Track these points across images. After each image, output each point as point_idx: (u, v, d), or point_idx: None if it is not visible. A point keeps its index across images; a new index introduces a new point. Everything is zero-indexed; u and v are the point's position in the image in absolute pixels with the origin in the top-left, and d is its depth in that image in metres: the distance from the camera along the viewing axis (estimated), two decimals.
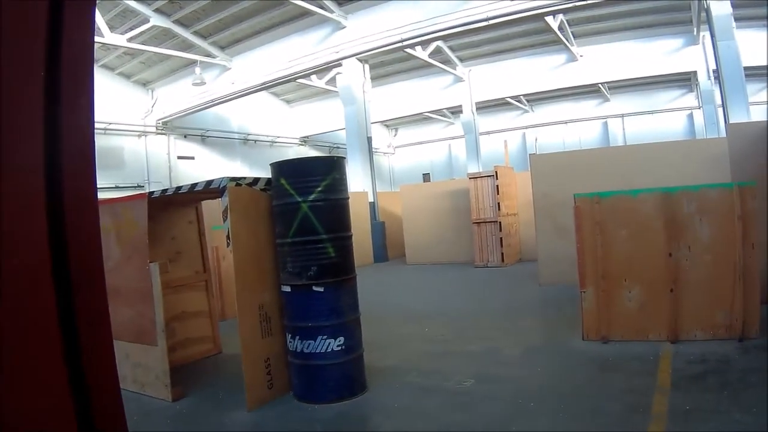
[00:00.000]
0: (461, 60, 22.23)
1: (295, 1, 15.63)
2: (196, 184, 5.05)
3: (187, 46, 18.62)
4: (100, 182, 18.82)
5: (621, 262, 5.71)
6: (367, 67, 17.41)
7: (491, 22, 14.29)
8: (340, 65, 17.14)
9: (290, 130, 27.27)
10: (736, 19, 14.02)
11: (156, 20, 16.30)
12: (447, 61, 21.47)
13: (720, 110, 15.88)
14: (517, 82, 22.44)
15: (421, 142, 32.72)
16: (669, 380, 4.46)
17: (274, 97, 26.20)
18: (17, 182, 0.89)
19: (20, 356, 0.89)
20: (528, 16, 14.18)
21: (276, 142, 26.67)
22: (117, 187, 19.17)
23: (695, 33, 19.04)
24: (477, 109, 23.75)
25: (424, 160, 32.57)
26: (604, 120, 27.33)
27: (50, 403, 0.94)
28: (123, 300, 5.18)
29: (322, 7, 16.23)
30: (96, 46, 16.63)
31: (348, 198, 4.95)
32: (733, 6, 13.76)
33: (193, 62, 19.02)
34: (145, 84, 21.93)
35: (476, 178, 13.60)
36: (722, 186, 5.58)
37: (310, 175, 4.69)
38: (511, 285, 10.46)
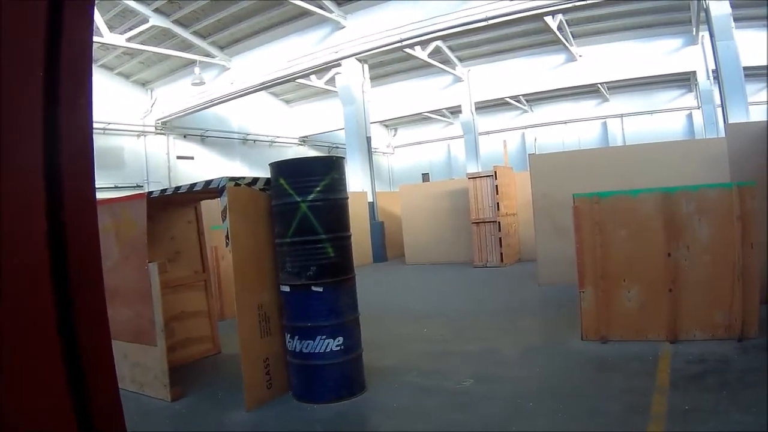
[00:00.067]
0: (460, 60, 22.24)
1: (294, 1, 15.62)
2: (195, 184, 5.05)
3: (187, 46, 18.61)
4: (100, 182, 18.80)
5: (620, 262, 5.71)
6: (366, 67, 17.41)
7: (490, 22, 14.28)
8: (339, 65, 17.13)
9: (289, 130, 27.26)
10: (736, 19, 14.03)
11: (155, 20, 16.29)
12: (446, 61, 21.48)
13: (719, 110, 15.91)
14: (517, 82, 22.45)
15: (420, 142, 32.73)
16: (668, 380, 4.46)
17: (273, 97, 26.19)
18: (16, 182, 0.89)
19: (19, 356, 0.89)
20: (527, 16, 14.18)
21: (275, 142, 26.67)
22: (116, 187, 19.16)
23: (694, 33, 19.05)
24: (476, 109, 23.76)
25: (423, 160, 32.58)
26: (604, 120, 27.35)
27: (49, 403, 0.94)
28: (122, 300, 5.17)
29: (321, 7, 16.22)
30: (95, 45, 16.63)
31: (347, 198, 4.95)
32: (733, 6, 13.77)
33: (193, 62, 19.01)
34: (144, 84, 21.92)
35: (475, 178, 13.61)
36: (721, 186, 5.59)
37: (309, 175, 4.69)
38: (510, 285, 10.46)
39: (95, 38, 15.39)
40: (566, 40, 19.32)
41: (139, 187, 20.23)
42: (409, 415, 4.32)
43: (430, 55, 19.58)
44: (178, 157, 22.65)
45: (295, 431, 4.22)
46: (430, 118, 29.66)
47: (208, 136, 23.63)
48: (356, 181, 16.54)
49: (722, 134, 11.73)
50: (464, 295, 9.96)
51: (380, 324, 7.31)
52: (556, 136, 27.59)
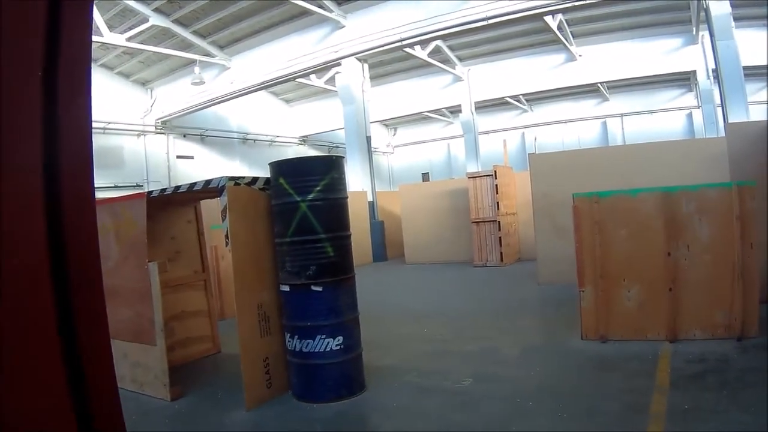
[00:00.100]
0: (460, 59, 22.23)
1: (294, 1, 15.62)
2: (194, 183, 5.05)
3: (187, 46, 18.60)
4: (100, 182, 18.80)
5: (620, 261, 5.71)
6: (366, 66, 17.41)
7: (490, 21, 14.28)
8: (339, 64, 17.13)
9: (289, 129, 27.26)
10: (736, 19, 14.03)
11: (155, 20, 16.28)
12: (446, 61, 21.47)
13: (719, 110, 15.90)
14: (516, 82, 22.44)
15: (420, 142, 32.72)
16: (668, 380, 4.46)
17: (273, 97, 26.18)
18: (15, 182, 0.89)
19: (19, 356, 0.89)
20: (527, 15, 14.17)
21: (275, 142, 26.66)
22: (116, 187, 19.15)
23: (694, 33, 19.05)
24: (476, 108, 23.75)
25: (423, 159, 32.58)
26: (603, 119, 27.34)
27: (48, 403, 0.94)
28: (122, 299, 5.18)
29: (321, 7, 16.22)
30: (95, 45, 16.62)
31: (347, 197, 4.95)
32: (732, 6, 13.76)
33: (193, 62, 19.00)
34: (144, 83, 21.91)
35: (475, 177, 13.61)
36: (721, 186, 5.59)
37: (308, 174, 4.69)
38: (509, 284, 10.46)
39: (95, 38, 15.39)
40: (566, 40, 19.31)
41: (139, 186, 20.22)
42: (408, 415, 4.32)
43: (430, 54, 19.57)
44: (178, 157, 22.64)
45: (295, 431, 4.22)
46: (430, 117, 29.65)
47: (207, 136, 23.63)
48: (356, 180, 16.53)
49: (722, 134, 11.72)
50: (464, 294, 9.96)
51: (380, 323, 7.31)
52: (556, 136, 27.59)
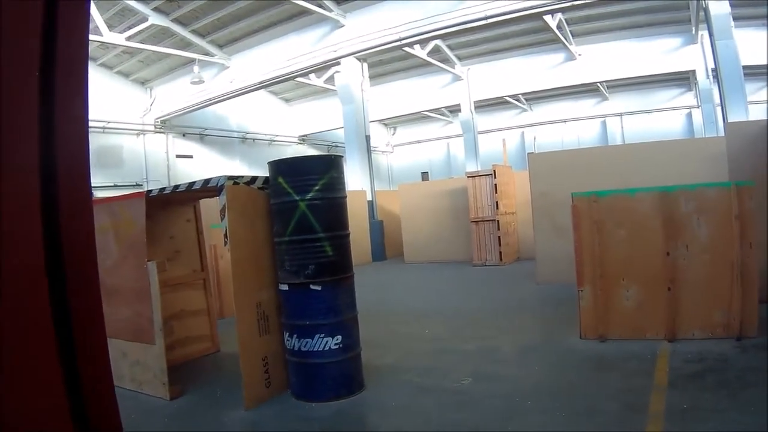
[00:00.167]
0: (460, 59, 22.22)
1: (293, 0, 15.61)
2: (193, 182, 5.04)
3: (186, 45, 18.59)
4: (99, 181, 18.80)
5: (619, 261, 5.71)
6: (365, 65, 17.40)
7: (490, 20, 14.27)
8: (338, 64, 17.12)
9: (289, 128, 27.24)
10: (735, 18, 14.02)
11: (154, 19, 16.26)
12: (445, 60, 21.46)
13: (719, 109, 15.90)
14: (516, 81, 22.43)
15: (419, 141, 32.70)
16: (666, 379, 4.47)
17: (272, 96, 26.16)
18: (12, 182, 0.89)
19: (15, 356, 0.89)
20: (526, 15, 14.17)
21: (274, 141, 26.64)
22: (115, 186, 19.13)
23: (694, 32, 19.04)
24: (475, 107, 23.74)
25: (422, 158, 32.56)
26: (603, 119, 27.33)
27: (45, 403, 0.94)
28: (121, 298, 5.17)
29: (320, 6, 16.21)
30: (95, 44, 16.63)
31: (345, 197, 4.95)
32: (732, 5, 13.76)
33: (192, 61, 18.98)
34: (143, 82, 21.89)
35: (475, 177, 13.62)
36: (720, 185, 5.59)
37: (307, 173, 4.69)
38: (508, 284, 10.47)
39: (95, 37, 15.38)
40: (565, 39, 19.30)
41: (138, 185, 20.20)
42: (407, 414, 4.32)
43: (430, 53, 19.56)
44: (178, 156, 22.62)
45: (294, 430, 4.22)
46: (430, 116, 29.63)
47: (207, 135, 23.61)
48: (355, 179, 16.53)
49: (722, 133, 11.73)
50: (463, 293, 9.97)
51: (379, 322, 7.31)
52: (556, 135, 27.57)
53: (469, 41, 20.48)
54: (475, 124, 23.91)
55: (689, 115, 25.38)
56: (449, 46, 20.83)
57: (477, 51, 21.79)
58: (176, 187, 5.27)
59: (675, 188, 5.61)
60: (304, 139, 28.39)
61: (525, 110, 28.55)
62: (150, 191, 5.37)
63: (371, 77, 18.92)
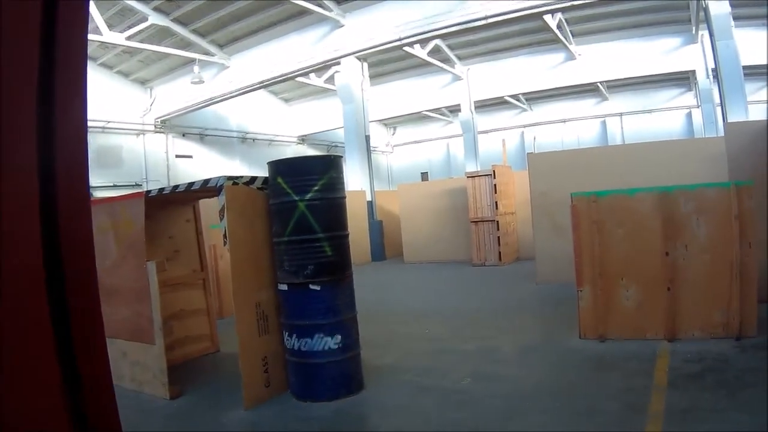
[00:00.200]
0: (460, 59, 22.22)
1: (293, 0, 15.61)
2: (193, 183, 5.05)
3: (186, 45, 18.59)
4: (99, 181, 18.80)
5: (618, 260, 5.71)
6: (365, 65, 17.39)
7: (490, 20, 14.27)
8: (338, 64, 17.11)
9: (288, 128, 27.24)
10: (735, 18, 14.02)
11: (154, 18, 16.26)
12: (445, 60, 21.46)
13: (718, 109, 15.90)
14: (516, 81, 22.44)
15: (419, 141, 32.71)
16: (666, 379, 4.47)
17: (272, 96, 26.16)
18: (10, 182, 0.89)
19: (14, 356, 0.89)
20: (526, 15, 14.16)
21: (274, 141, 26.64)
22: (115, 186, 19.13)
23: (694, 32, 19.05)
24: (475, 107, 23.74)
25: (422, 158, 32.57)
26: (603, 119, 27.33)
27: (44, 403, 0.94)
28: (121, 298, 5.18)
29: (320, 6, 16.20)
30: (95, 44, 16.63)
31: (345, 197, 4.95)
32: (732, 5, 13.76)
33: (192, 61, 18.98)
34: (143, 82, 21.88)
35: (474, 176, 13.61)
36: (719, 185, 5.59)
37: (307, 173, 4.70)
38: (508, 284, 10.47)
39: (95, 37, 15.38)
40: (565, 39, 19.31)
41: (138, 185, 20.19)
42: (407, 414, 4.32)
43: (430, 53, 19.56)
44: (177, 156, 22.62)
45: (293, 430, 4.22)
46: (430, 116, 29.63)
47: (207, 135, 23.61)
48: (355, 179, 16.53)
49: (721, 133, 11.74)
50: (462, 293, 9.97)
51: (378, 322, 7.31)
52: (555, 135, 27.58)
53: (469, 41, 20.49)
54: (475, 124, 23.91)
55: (689, 115, 25.39)
56: (449, 46, 20.83)
57: (477, 51, 21.79)
58: (175, 187, 5.27)
59: (674, 188, 5.61)
60: (303, 139, 28.39)
61: (525, 110, 28.55)
62: (149, 191, 5.37)
63: (371, 77, 18.91)
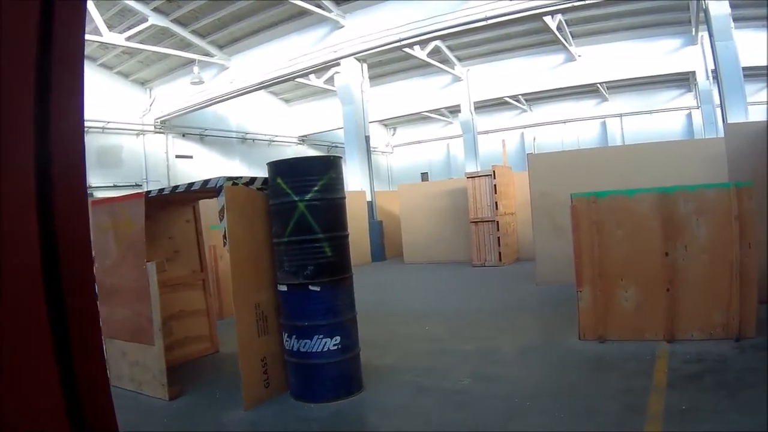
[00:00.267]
0: (460, 59, 22.22)
1: (293, 1, 15.61)
2: (192, 183, 5.05)
3: (186, 45, 18.59)
4: (98, 181, 18.81)
5: (618, 261, 5.71)
6: (365, 66, 17.41)
7: (490, 21, 14.28)
8: (338, 64, 17.13)
9: (288, 129, 27.25)
10: (735, 20, 14.02)
11: (154, 19, 16.27)
12: (445, 61, 21.47)
13: (718, 110, 15.91)
14: (516, 82, 22.44)
15: (419, 142, 32.72)
16: (665, 380, 4.46)
17: (272, 96, 26.17)
18: (7, 182, 0.89)
19: (11, 356, 0.89)
20: (526, 16, 14.17)
21: (274, 141, 26.65)
22: (115, 186, 19.14)
23: (694, 33, 19.06)
24: (475, 108, 23.75)
25: (422, 159, 32.57)
26: (603, 120, 27.35)
27: (41, 403, 0.94)
28: (120, 299, 5.18)
29: (320, 7, 16.21)
30: (94, 44, 16.63)
31: (344, 197, 4.95)
32: (732, 6, 13.76)
33: (192, 61, 18.99)
34: (143, 83, 21.89)
35: (474, 177, 13.62)
36: (719, 186, 5.59)
37: (306, 174, 4.70)
38: (508, 284, 10.46)
39: (95, 37, 15.39)
40: (565, 40, 19.32)
41: (138, 186, 20.20)
42: (407, 414, 4.32)
43: (429, 54, 19.57)
44: (177, 156, 22.63)
45: (293, 430, 4.22)
46: (429, 117, 29.64)
47: (207, 135, 23.61)
48: (355, 180, 16.54)
49: (721, 134, 11.74)
50: (462, 294, 9.97)
51: (378, 323, 7.31)
52: (555, 136, 27.59)
53: (469, 42, 20.49)
54: (475, 124, 23.92)
55: (689, 116, 25.41)
56: (449, 47, 20.84)
57: (477, 52, 21.80)
58: (175, 187, 5.27)
59: (674, 189, 5.61)
60: (303, 140, 28.40)
61: (525, 111, 28.57)
62: (149, 192, 5.37)
63: (371, 78, 18.93)
